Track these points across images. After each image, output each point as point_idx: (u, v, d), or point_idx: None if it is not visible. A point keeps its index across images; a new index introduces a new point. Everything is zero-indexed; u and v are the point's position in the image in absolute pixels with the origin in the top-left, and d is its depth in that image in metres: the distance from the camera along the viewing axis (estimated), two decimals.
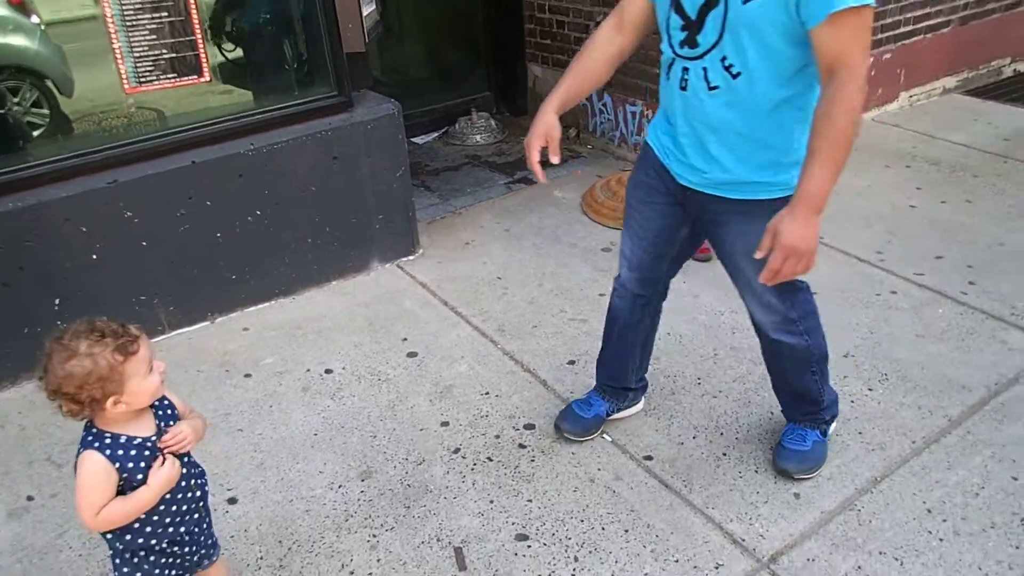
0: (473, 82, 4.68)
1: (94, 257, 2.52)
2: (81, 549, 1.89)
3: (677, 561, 1.80)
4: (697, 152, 1.69)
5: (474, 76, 4.70)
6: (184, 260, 2.67)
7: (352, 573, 1.79)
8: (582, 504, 1.95)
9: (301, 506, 1.97)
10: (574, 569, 1.79)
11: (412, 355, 2.56)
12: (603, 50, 1.75)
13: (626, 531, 1.88)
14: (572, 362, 2.48)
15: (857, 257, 3.01)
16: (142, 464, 1.31)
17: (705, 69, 1.57)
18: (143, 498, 1.31)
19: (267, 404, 2.35)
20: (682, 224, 1.86)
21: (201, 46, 2.69)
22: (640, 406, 2.24)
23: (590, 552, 1.83)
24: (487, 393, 2.35)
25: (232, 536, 1.89)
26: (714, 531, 1.87)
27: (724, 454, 2.09)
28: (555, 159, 1.72)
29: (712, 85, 1.58)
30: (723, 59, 1.54)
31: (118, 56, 2.57)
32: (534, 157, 1.71)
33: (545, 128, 1.72)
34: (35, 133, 3.30)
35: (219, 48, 3.11)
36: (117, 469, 1.29)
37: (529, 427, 2.21)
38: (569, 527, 1.89)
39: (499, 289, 2.92)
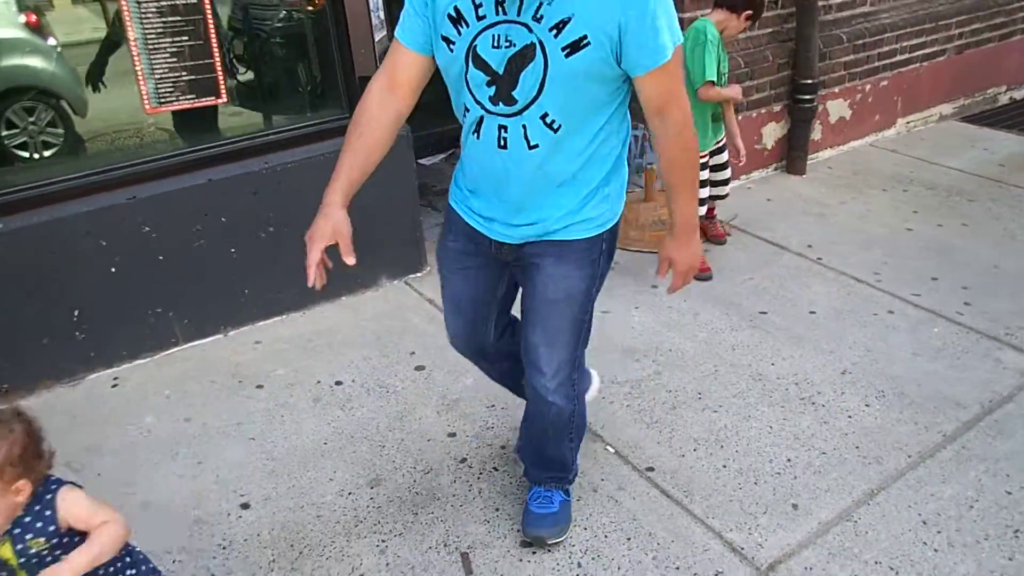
0: None
1: (112, 270, 2.60)
2: None
3: (678, 568, 1.84)
4: (515, 209, 1.61)
5: None
6: (199, 275, 2.75)
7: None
8: (585, 513, 2.00)
9: (312, 512, 2.03)
10: (577, 575, 1.83)
11: (420, 368, 2.62)
12: (378, 120, 1.57)
13: (628, 539, 1.92)
14: None
15: (855, 278, 3.08)
16: None
17: (525, 127, 1.48)
18: None
19: (279, 414, 2.41)
20: (500, 279, 1.78)
21: (219, 68, 2.78)
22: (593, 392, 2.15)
23: (593, 559, 1.87)
24: (492, 406, 2.41)
25: (245, 540, 1.94)
26: (714, 540, 1.91)
27: (724, 466, 2.14)
28: (349, 260, 1.48)
29: (533, 143, 1.50)
30: (544, 115, 1.47)
31: (140, 77, 2.67)
32: (313, 257, 1.48)
33: (332, 226, 1.49)
34: (49, 152, 3.41)
35: (236, 71, 3.22)
36: None
37: None
38: (573, 535, 1.94)
39: None
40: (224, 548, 1.93)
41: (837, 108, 4.28)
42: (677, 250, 1.69)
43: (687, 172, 1.61)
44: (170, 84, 2.72)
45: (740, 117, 3.69)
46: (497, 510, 2.02)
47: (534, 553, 1.89)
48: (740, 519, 1.97)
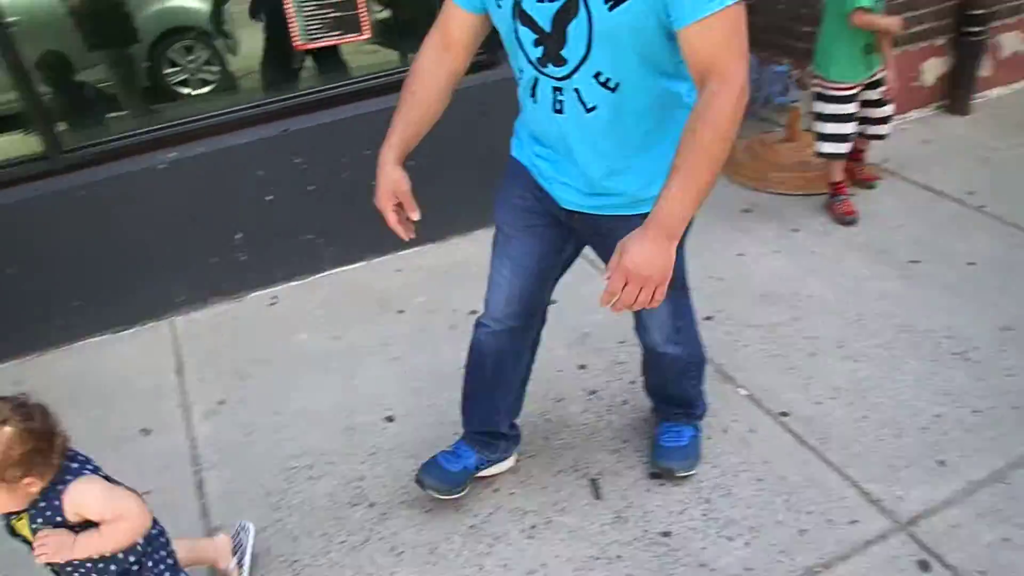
0: None
1: (268, 198, 2.80)
2: (266, 443, 2.17)
3: (810, 513, 1.82)
4: (586, 179, 1.52)
5: None
6: (345, 204, 2.90)
7: (497, 490, 1.96)
8: (715, 452, 2.01)
9: (450, 428, 2.13)
10: (705, 509, 1.86)
11: (551, 302, 2.66)
12: (433, 78, 1.53)
13: (759, 480, 1.92)
14: (709, 318, 2.49)
15: (1017, 226, 2.82)
16: None
17: (578, 90, 1.39)
18: None
19: (419, 338, 2.55)
20: (566, 242, 1.69)
21: (362, 5, 2.86)
22: (511, 462, 2.00)
23: (722, 496, 1.89)
24: (623, 342, 2.43)
25: (390, 449, 2.10)
26: (851, 489, 1.87)
27: (864, 417, 2.07)
28: (414, 215, 1.54)
29: (590, 106, 1.40)
30: (597, 74, 1.36)
31: (290, 15, 2.79)
32: (391, 219, 1.55)
33: (391, 186, 1.53)
34: (207, 89, 3.66)
35: (377, 8, 3.30)
36: None
37: None
38: (701, 472, 1.95)
39: None
40: (373, 455, 2.10)
41: (1011, 42, 3.84)
42: (634, 241, 1.29)
43: (689, 160, 1.28)
44: (318, 21, 2.83)
45: (899, 51, 3.39)
46: (626, 441, 2.06)
47: (662, 485, 1.93)
48: (880, 471, 1.91)
